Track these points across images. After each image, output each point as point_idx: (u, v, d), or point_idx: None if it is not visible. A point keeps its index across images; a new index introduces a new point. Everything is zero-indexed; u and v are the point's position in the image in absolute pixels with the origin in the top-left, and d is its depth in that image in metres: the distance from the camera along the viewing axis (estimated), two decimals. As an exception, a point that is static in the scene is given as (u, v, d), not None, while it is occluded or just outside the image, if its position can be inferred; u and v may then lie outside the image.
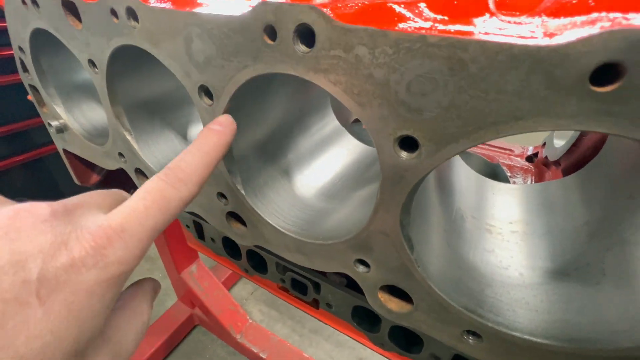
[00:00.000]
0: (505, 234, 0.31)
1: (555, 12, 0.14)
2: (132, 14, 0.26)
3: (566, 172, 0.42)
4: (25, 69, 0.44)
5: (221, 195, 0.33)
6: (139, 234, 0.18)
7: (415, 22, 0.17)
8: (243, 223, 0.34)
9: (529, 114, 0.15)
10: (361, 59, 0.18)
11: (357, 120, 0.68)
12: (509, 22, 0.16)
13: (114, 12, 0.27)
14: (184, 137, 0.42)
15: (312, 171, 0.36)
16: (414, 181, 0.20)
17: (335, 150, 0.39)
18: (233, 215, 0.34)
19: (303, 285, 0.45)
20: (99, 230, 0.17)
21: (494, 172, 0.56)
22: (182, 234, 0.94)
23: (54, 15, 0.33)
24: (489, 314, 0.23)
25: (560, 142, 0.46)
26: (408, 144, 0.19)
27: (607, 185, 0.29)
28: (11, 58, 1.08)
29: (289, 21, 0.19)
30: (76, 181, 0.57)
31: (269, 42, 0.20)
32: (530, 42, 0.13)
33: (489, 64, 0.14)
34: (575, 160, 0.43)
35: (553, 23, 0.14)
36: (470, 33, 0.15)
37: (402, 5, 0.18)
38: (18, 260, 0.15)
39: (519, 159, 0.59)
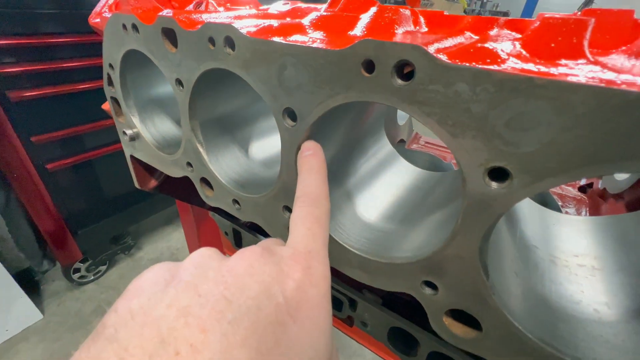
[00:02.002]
0: (572, 267, 0.30)
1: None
2: (229, 42, 0.29)
3: (631, 207, 0.41)
4: (110, 83, 0.49)
5: (287, 209, 0.34)
6: (320, 250, 0.21)
7: (514, 63, 0.19)
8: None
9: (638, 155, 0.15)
10: (460, 94, 0.19)
11: (401, 141, 0.69)
12: (611, 66, 0.17)
13: (211, 40, 0.30)
14: (247, 151, 0.45)
15: (372, 193, 0.37)
16: (501, 211, 0.20)
17: (392, 173, 0.41)
18: (295, 229, 0.36)
19: (339, 301, 0.46)
20: (296, 256, 0.20)
21: (545, 201, 0.54)
22: (219, 241, 0.97)
23: (150, 39, 0.37)
24: (567, 349, 0.22)
25: (622, 175, 0.44)
26: (499, 174, 0.20)
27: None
28: (67, 71, 1.22)
29: (390, 57, 0.21)
30: (137, 185, 0.61)
31: (365, 74, 0.22)
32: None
33: (600, 108, 0.15)
34: (642, 194, 0.42)
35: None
36: (575, 76, 0.16)
37: (501, 48, 0.19)
38: (265, 289, 0.17)
39: (570, 188, 0.57)
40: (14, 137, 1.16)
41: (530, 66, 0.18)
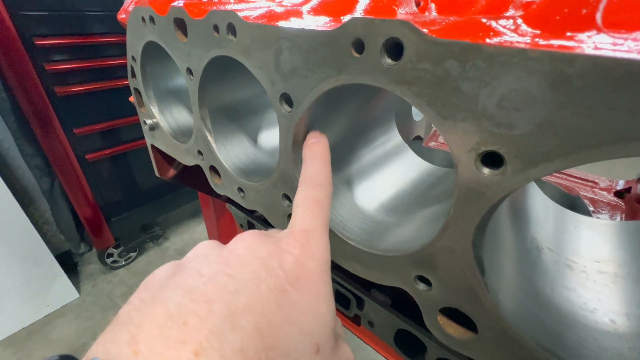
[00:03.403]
0: (590, 273, 0.27)
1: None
2: (231, 29, 0.30)
3: (671, 213, 0.36)
4: (133, 75, 0.52)
5: (286, 197, 0.34)
6: (319, 229, 0.22)
7: (511, 36, 0.17)
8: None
9: (646, 136, 0.13)
10: (450, 72, 0.18)
11: (417, 138, 0.67)
12: (623, 38, 0.15)
13: (216, 28, 0.31)
14: (254, 141, 0.46)
15: (374, 184, 0.36)
16: (495, 199, 0.19)
17: (397, 166, 0.39)
18: (294, 218, 0.35)
19: (346, 299, 0.45)
20: (294, 235, 0.21)
21: (573, 205, 0.50)
22: (236, 233, 0.99)
23: (164, 31, 0.39)
24: (571, 358, 0.20)
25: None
26: (491, 160, 0.18)
27: None
28: (108, 68, 1.31)
29: (379, 35, 0.20)
30: (157, 173, 0.64)
31: (356, 55, 0.22)
32: (654, 58, 0.12)
33: (600, 80, 0.14)
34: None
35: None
36: (574, 48, 0.15)
37: (497, 21, 0.18)
38: (264, 264, 0.18)
39: (605, 192, 0.52)
40: (59, 128, 1.27)
41: (526, 39, 0.16)
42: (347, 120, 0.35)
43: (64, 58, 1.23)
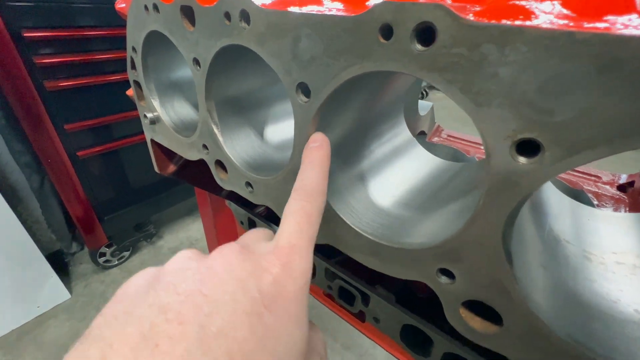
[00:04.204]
0: (608, 265, 0.27)
1: None
2: (245, 16, 0.28)
3: (680, 205, 0.36)
4: (133, 67, 0.50)
5: (298, 191, 0.33)
6: (304, 245, 0.21)
7: (551, 19, 0.16)
8: (314, 221, 0.34)
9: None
10: (487, 57, 0.17)
11: (421, 133, 0.66)
12: (669, 21, 0.15)
13: (227, 15, 0.30)
14: (261, 134, 0.45)
15: (388, 179, 0.35)
16: (530, 189, 0.18)
17: (410, 160, 0.39)
18: (306, 212, 0.35)
19: (351, 295, 0.44)
20: (277, 251, 0.21)
21: (577, 199, 0.50)
22: (234, 231, 0.98)
23: (169, 19, 0.37)
24: (601, 349, 0.20)
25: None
26: (528, 148, 0.18)
27: None
28: (100, 62, 1.28)
29: (409, 20, 0.19)
30: (156, 169, 0.62)
31: (382, 41, 0.21)
32: None
33: (655, 63, 0.13)
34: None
35: None
36: (622, 31, 0.14)
37: (535, 6, 0.17)
38: (242, 285, 0.18)
39: (607, 187, 0.53)
40: (49, 124, 1.23)
41: (568, 22, 0.16)
42: (358, 113, 0.34)
43: (54, 51, 1.19)
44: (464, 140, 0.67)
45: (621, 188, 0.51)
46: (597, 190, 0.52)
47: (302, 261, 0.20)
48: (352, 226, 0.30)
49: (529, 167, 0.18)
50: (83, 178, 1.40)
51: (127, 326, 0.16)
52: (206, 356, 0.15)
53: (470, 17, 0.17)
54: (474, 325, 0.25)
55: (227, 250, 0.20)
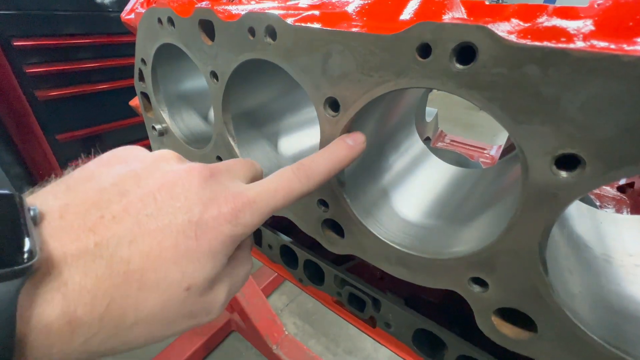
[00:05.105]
0: (628, 267, 0.29)
1: None
2: (271, 32, 0.29)
3: (683, 206, 0.38)
4: (141, 78, 0.49)
5: (322, 202, 0.34)
6: (264, 208, 0.22)
7: (590, 41, 0.17)
8: (337, 231, 0.35)
9: None
10: (529, 77, 0.18)
11: (427, 139, 0.68)
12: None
13: (251, 31, 0.30)
14: (275, 146, 0.45)
15: (408, 189, 0.36)
16: (568, 201, 0.19)
17: (426, 170, 0.39)
18: (329, 223, 0.35)
19: (361, 301, 0.44)
20: (239, 196, 0.21)
21: (582, 201, 0.52)
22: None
23: (186, 33, 0.37)
24: (635, 351, 0.21)
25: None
26: (568, 162, 0.19)
27: None
28: (93, 71, 1.25)
29: (449, 40, 0.20)
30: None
31: (420, 59, 0.21)
32: None
33: (699, 85, 0.14)
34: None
35: None
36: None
37: (572, 27, 0.18)
38: (189, 206, 0.20)
39: (608, 188, 0.55)
40: (41, 135, 1.20)
41: (609, 45, 0.17)
42: (380, 125, 0.35)
43: (45, 60, 1.16)
44: (466, 145, 0.69)
45: (621, 189, 0.53)
46: (598, 191, 0.54)
47: (252, 217, 0.21)
48: (380, 237, 0.30)
49: (569, 180, 0.19)
50: (75, 189, 1.36)
51: (89, 191, 0.19)
52: (129, 245, 0.18)
53: (513, 38, 0.18)
54: (506, 332, 0.26)
55: (197, 172, 0.21)
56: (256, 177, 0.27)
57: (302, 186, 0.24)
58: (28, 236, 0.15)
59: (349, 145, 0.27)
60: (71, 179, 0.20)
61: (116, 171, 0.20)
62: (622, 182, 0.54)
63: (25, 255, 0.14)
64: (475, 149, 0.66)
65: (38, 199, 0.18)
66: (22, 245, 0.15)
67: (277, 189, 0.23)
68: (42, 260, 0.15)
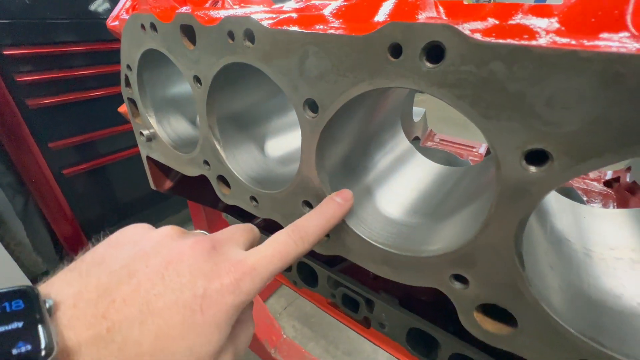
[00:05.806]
0: (608, 261, 0.29)
1: None
2: (249, 35, 0.29)
3: (665, 199, 0.39)
4: (127, 84, 0.49)
5: (307, 203, 0.34)
6: (264, 274, 0.23)
7: (553, 38, 0.18)
8: (323, 232, 0.35)
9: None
10: (495, 74, 0.18)
11: (416, 138, 0.68)
12: (660, 38, 0.16)
13: (230, 34, 0.30)
14: (262, 148, 0.45)
15: (392, 188, 0.36)
16: (540, 196, 0.19)
17: (411, 168, 0.40)
18: (314, 224, 0.35)
19: (355, 302, 0.45)
20: (239, 265, 0.23)
21: (568, 196, 0.52)
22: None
23: (168, 38, 0.37)
24: (612, 344, 0.21)
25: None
26: (537, 157, 0.19)
27: None
28: (83, 78, 1.25)
29: (418, 39, 0.20)
30: (152, 186, 0.61)
31: (391, 59, 0.22)
32: None
33: (655, 78, 0.14)
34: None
35: None
36: (617, 47, 0.15)
37: (537, 25, 0.19)
38: (193, 281, 0.21)
39: (595, 183, 0.55)
40: (32, 143, 1.19)
41: (570, 41, 0.17)
42: (361, 126, 0.35)
43: (36, 68, 1.16)
44: (456, 143, 0.69)
45: (607, 184, 0.54)
46: (585, 187, 0.54)
47: (253, 284, 0.22)
48: (363, 237, 0.30)
49: (539, 175, 0.19)
50: (69, 196, 1.36)
51: (102, 276, 0.20)
52: (140, 327, 0.19)
53: (478, 36, 0.18)
54: (488, 327, 0.26)
55: (200, 246, 0.23)
56: (255, 240, 0.28)
57: (298, 248, 0.25)
58: (45, 331, 0.16)
59: (339, 204, 0.29)
60: (83, 264, 0.21)
61: (125, 252, 0.22)
62: (609, 176, 0.55)
63: (43, 353, 0.16)
64: (465, 147, 0.67)
65: (53, 288, 0.20)
66: (39, 341, 0.16)
67: (274, 254, 0.24)
68: (59, 351, 0.17)
